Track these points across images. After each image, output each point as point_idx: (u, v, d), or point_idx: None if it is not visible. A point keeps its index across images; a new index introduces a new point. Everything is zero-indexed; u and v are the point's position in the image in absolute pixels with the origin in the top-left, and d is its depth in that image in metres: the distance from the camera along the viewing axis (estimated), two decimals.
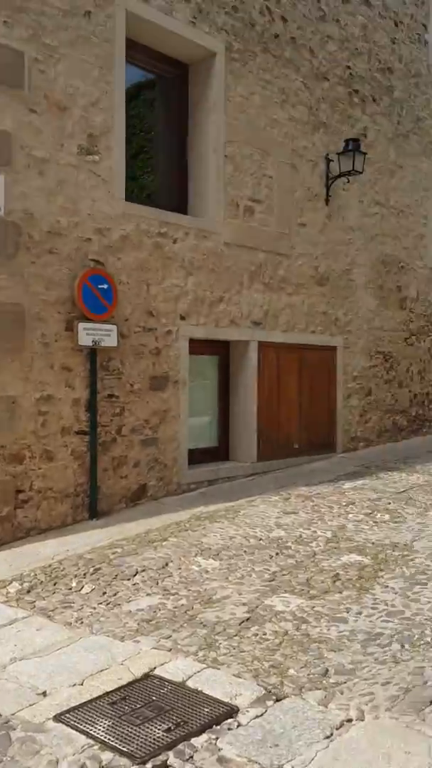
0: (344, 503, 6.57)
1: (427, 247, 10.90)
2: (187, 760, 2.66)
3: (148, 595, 4.41)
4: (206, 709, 2.99)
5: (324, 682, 3.17)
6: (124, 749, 2.73)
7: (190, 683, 3.24)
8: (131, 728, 2.89)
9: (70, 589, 4.59)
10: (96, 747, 2.77)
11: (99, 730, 2.88)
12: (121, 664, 3.48)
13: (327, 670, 3.28)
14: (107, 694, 3.19)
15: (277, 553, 5.12)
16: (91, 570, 4.90)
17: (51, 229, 5.96)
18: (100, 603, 4.31)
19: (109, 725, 2.91)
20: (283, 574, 4.67)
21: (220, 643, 3.64)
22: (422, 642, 3.51)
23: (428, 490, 7.07)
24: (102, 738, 2.82)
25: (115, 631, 3.88)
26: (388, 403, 10.02)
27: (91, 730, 2.88)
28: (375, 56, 9.71)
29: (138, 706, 3.06)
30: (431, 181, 10.96)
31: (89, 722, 2.94)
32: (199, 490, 7.18)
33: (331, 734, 2.72)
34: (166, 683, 3.25)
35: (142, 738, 2.81)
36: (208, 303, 7.33)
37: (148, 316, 6.75)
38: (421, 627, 3.70)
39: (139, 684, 3.27)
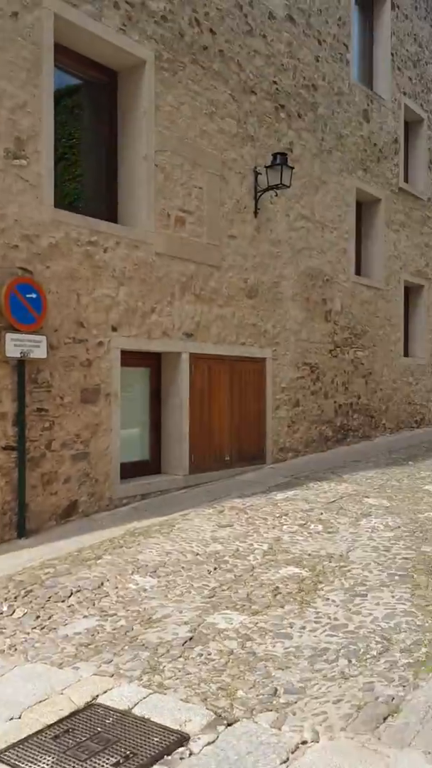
0: (278, 515, 6.57)
1: (351, 261, 11.16)
2: None
3: (84, 617, 4.24)
4: (156, 739, 2.87)
5: (274, 702, 3.11)
6: None
7: (136, 711, 3.11)
8: (77, 764, 2.73)
9: (1, 613, 4.35)
10: None
11: None
12: (62, 694, 3.31)
13: (276, 690, 3.22)
14: (49, 727, 3.01)
15: (215, 568, 5.04)
16: (23, 592, 4.67)
17: None
18: (34, 627, 4.11)
19: (53, 762, 2.75)
20: (223, 590, 4.59)
21: (165, 666, 3.53)
22: (369, 656, 3.51)
23: (358, 500, 7.18)
24: None
25: (53, 658, 3.69)
26: (314, 414, 10.16)
27: None
28: (300, 73, 9.89)
29: (83, 738, 2.91)
30: (353, 197, 11.25)
31: (31, 760, 2.77)
32: (131, 505, 7.02)
33: (287, 759, 2.66)
34: (111, 712, 3.11)
35: None
36: (140, 314, 7.21)
37: (79, 327, 6.57)
38: (365, 640, 3.71)
39: (82, 714, 3.11)
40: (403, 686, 3.15)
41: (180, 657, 3.62)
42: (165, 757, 2.74)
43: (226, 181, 8.42)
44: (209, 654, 3.65)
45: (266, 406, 9.03)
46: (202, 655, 3.64)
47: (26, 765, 2.73)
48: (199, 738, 2.86)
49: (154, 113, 7.39)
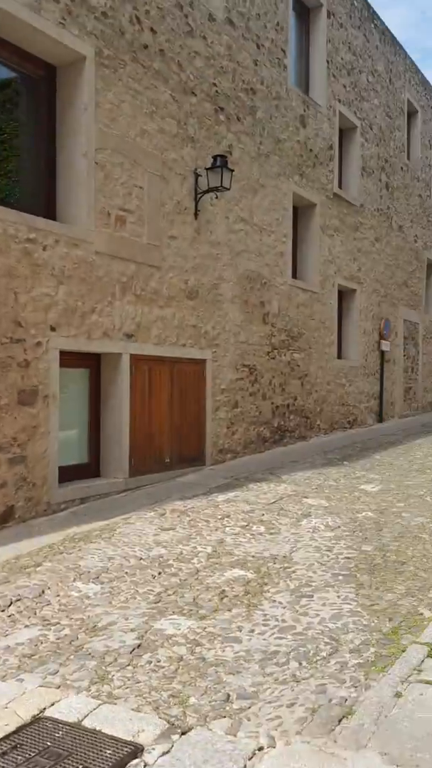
0: (220, 516, 6.56)
1: (288, 265, 11.29)
2: None
3: (26, 626, 4.10)
4: (108, 751, 2.80)
5: (228, 708, 3.08)
6: None
7: (86, 723, 3.02)
8: None
9: None
10: None
11: None
12: (6, 708, 3.18)
13: (229, 696, 3.19)
14: None
15: (159, 573, 4.98)
16: None
17: None
18: None
19: None
20: (169, 595, 4.54)
21: (113, 675, 3.45)
22: (319, 658, 3.53)
23: (297, 500, 7.25)
24: None
25: None
26: (252, 415, 10.22)
27: None
28: (239, 76, 9.93)
29: (32, 754, 2.80)
30: (290, 201, 11.38)
31: None
32: (70, 510, 6.87)
33: (245, 766, 2.63)
34: (61, 725, 3.01)
35: None
36: (79, 314, 7.07)
37: (16, 327, 6.37)
38: (314, 642, 3.73)
39: (30, 729, 3.00)
40: (355, 687, 3.18)
41: (128, 665, 3.55)
42: None
43: (166, 181, 8.36)
44: (158, 661, 3.59)
45: (206, 407, 9.02)
46: (151, 662, 3.58)
47: None
48: (153, 748, 2.80)
49: (94, 110, 7.26)
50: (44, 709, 3.15)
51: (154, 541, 5.76)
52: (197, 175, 8.84)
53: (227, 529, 6.15)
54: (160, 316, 8.22)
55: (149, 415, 7.99)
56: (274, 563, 5.16)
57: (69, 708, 3.15)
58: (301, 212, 12.15)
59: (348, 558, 5.27)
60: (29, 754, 2.80)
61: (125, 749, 2.80)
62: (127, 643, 3.80)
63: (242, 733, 2.85)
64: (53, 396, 6.72)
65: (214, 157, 8.83)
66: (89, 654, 3.69)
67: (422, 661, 3.40)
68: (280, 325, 11.05)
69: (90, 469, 7.57)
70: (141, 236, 7.92)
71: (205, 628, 3.98)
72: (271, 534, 5.99)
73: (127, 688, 3.32)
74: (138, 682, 3.36)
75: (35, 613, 4.29)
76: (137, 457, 7.75)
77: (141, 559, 5.31)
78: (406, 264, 16.89)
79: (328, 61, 12.65)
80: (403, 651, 3.54)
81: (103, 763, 2.71)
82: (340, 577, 4.81)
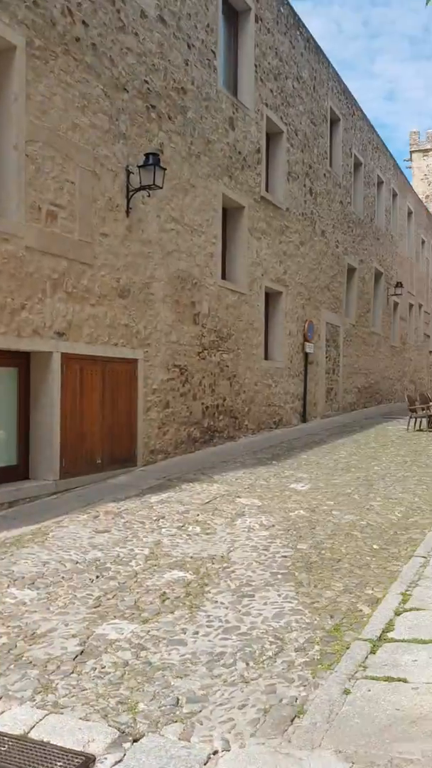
0: (154, 518, 6.51)
1: (218, 266, 11.32)
2: None
3: None
4: (59, 763, 2.71)
5: (178, 713, 3.05)
6: None
7: (33, 734, 2.92)
8: None
9: None
10: None
11: None
12: None
13: (178, 700, 3.16)
14: None
15: (97, 576, 4.88)
16: None
17: None
18: None
19: None
20: (109, 599, 4.46)
21: (58, 684, 3.34)
22: (265, 657, 3.55)
23: (230, 500, 7.28)
24: None
25: None
26: (183, 416, 10.19)
27: None
28: (170, 75, 9.88)
29: None
30: (220, 202, 11.43)
31: None
32: None
33: None
34: (6, 738, 2.89)
35: None
36: (8, 311, 6.84)
37: None
38: (259, 641, 3.74)
39: None
40: (304, 686, 3.21)
41: (72, 672, 3.46)
42: None
43: (98, 177, 8.22)
44: (103, 667, 3.51)
45: (137, 407, 8.92)
46: (95, 668, 3.50)
47: None
48: (105, 758, 2.73)
49: (25, 101, 7.05)
50: None
51: (89, 544, 5.65)
52: (129, 173, 8.74)
53: (163, 530, 6.10)
54: (92, 314, 8.07)
55: (80, 416, 7.83)
56: (213, 563, 5.15)
57: (14, 720, 3.03)
58: (230, 214, 12.22)
59: (285, 557, 5.32)
60: None
61: (76, 760, 2.72)
62: (69, 650, 3.70)
63: (196, 738, 2.82)
64: None
65: (147, 155, 8.75)
66: (30, 662, 3.57)
67: (366, 657, 3.47)
68: (210, 326, 11.07)
69: (19, 471, 7.35)
70: (72, 232, 7.75)
71: (148, 631, 3.93)
72: (208, 534, 5.99)
73: (73, 696, 3.22)
74: (84, 690, 3.28)
75: None
76: (68, 459, 7.58)
77: (77, 562, 5.19)
78: (328, 268, 17.28)
79: (256, 65, 12.77)
80: (347, 648, 3.60)
81: None
82: (279, 576, 4.85)
